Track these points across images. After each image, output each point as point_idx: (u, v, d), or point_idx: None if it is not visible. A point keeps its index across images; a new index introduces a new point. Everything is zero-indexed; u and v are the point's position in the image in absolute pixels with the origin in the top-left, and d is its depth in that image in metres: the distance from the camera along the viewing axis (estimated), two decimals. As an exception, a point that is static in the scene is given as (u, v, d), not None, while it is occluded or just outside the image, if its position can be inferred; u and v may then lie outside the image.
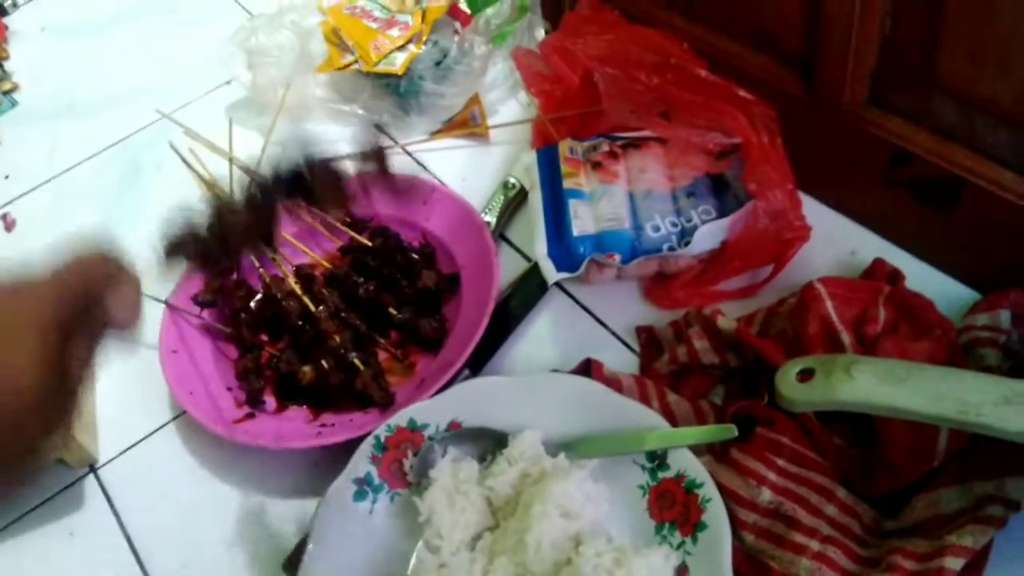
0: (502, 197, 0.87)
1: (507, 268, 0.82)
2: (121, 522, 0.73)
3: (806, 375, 0.57)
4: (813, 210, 0.79)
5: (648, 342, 0.75)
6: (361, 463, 0.67)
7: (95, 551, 0.72)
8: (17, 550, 0.73)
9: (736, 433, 0.62)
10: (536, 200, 0.80)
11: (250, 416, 0.75)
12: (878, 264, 0.72)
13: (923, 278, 0.73)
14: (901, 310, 0.66)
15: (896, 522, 0.59)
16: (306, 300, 0.79)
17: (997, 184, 0.65)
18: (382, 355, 0.78)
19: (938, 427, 0.58)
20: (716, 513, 0.60)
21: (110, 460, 0.77)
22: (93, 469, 0.77)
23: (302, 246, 0.85)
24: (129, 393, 0.81)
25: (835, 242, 0.77)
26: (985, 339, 0.64)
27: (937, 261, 0.74)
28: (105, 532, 0.73)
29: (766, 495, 0.60)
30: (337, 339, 0.76)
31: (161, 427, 0.79)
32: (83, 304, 0.44)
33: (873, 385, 0.54)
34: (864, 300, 0.66)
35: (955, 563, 0.54)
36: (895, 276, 0.71)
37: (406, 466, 0.68)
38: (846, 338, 0.63)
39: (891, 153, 0.71)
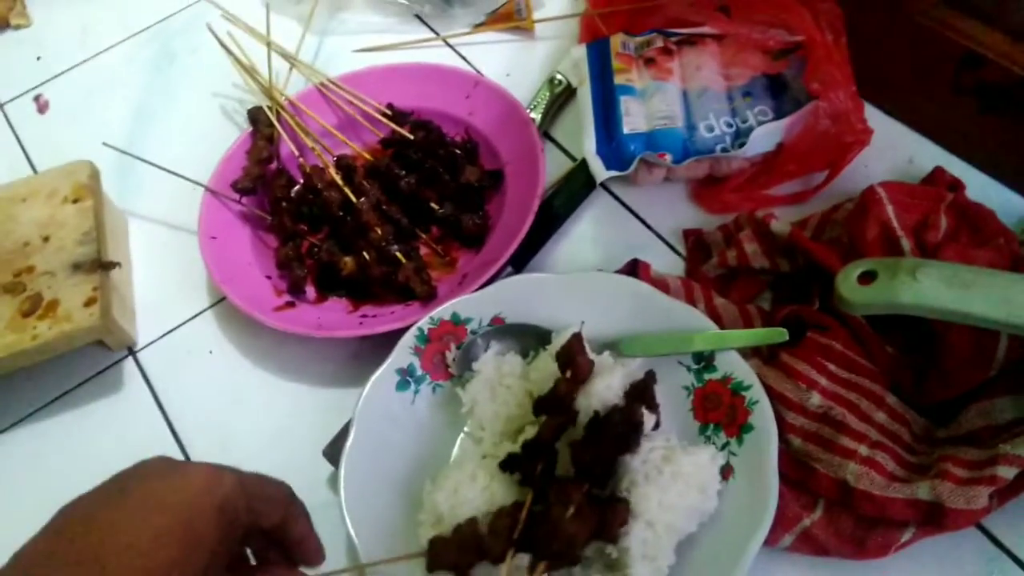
0: (547, 93, 0.85)
1: (551, 167, 0.80)
2: (160, 404, 0.74)
3: (866, 278, 0.56)
4: (870, 117, 0.76)
5: (695, 245, 0.73)
6: (404, 354, 0.67)
7: (134, 432, 0.72)
8: (56, 428, 0.73)
9: (787, 336, 0.61)
10: (585, 96, 0.78)
11: (290, 305, 0.74)
12: (938, 172, 0.70)
13: (983, 189, 0.71)
14: (963, 218, 0.64)
15: (947, 430, 0.58)
16: (347, 191, 0.77)
17: (1074, 91, 0.63)
18: (422, 250, 0.77)
19: (998, 335, 0.57)
20: (763, 415, 0.60)
21: (149, 344, 0.77)
22: (132, 352, 0.77)
23: (343, 136, 0.83)
24: (168, 279, 0.81)
25: (892, 150, 0.75)
26: (1047, 251, 0.62)
27: (999, 172, 0.72)
28: (144, 414, 0.73)
29: (815, 399, 0.59)
30: (379, 231, 0.75)
31: (199, 313, 0.78)
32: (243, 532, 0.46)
33: (939, 288, 0.52)
34: (925, 207, 0.64)
35: (1008, 471, 0.53)
36: (955, 185, 0.69)
37: (449, 358, 0.67)
38: (906, 244, 0.61)
39: (960, 56, 0.69)
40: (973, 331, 0.55)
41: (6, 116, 0.98)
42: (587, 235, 0.78)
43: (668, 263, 0.74)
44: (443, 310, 0.68)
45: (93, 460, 0.71)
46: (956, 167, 0.72)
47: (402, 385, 0.67)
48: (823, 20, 0.71)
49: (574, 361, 0.61)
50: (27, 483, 0.71)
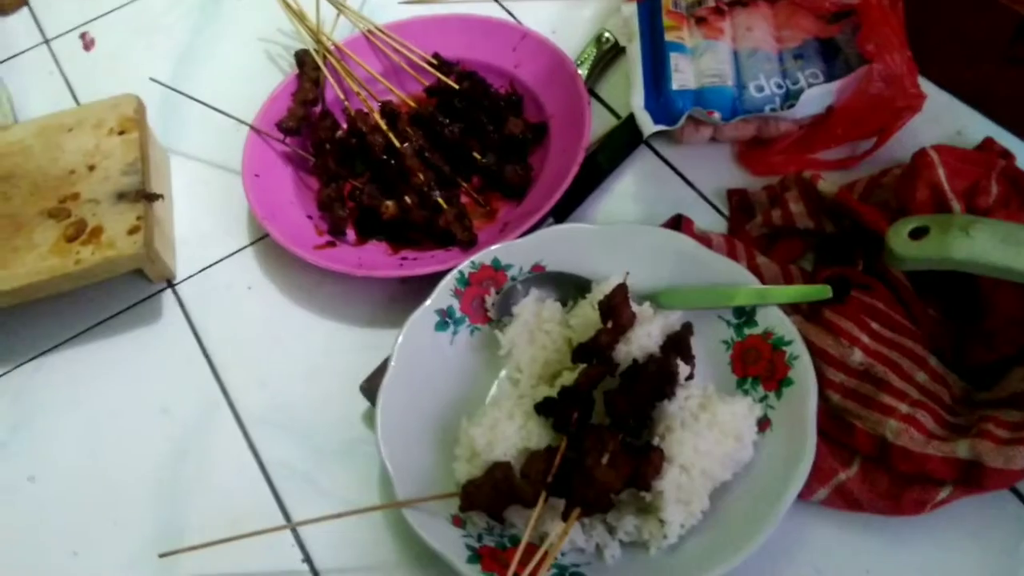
0: (594, 50, 0.85)
1: (596, 124, 0.80)
2: (199, 337, 0.74)
3: (918, 235, 0.56)
4: (924, 85, 0.76)
5: (739, 205, 0.73)
6: (444, 295, 0.67)
7: (172, 362, 0.73)
8: (95, 354, 0.74)
9: (831, 293, 0.61)
10: (635, 52, 0.78)
11: (331, 244, 0.75)
12: (988, 142, 0.69)
13: (1034, 162, 0.70)
14: (1014, 186, 0.63)
15: (990, 393, 0.58)
16: (391, 136, 0.77)
17: None
18: (463, 199, 0.77)
19: (1046, 299, 0.56)
20: (803, 370, 0.60)
21: (188, 277, 0.78)
22: (171, 284, 0.78)
23: (388, 83, 0.83)
24: (208, 215, 0.81)
25: (941, 121, 0.75)
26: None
27: (1050, 146, 0.71)
28: (182, 345, 0.74)
29: (857, 356, 0.59)
30: (421, 176, 0.75)
31: (239, 250, 0.79)
32: None
33: (992, 244, 0.52)
34: (976, 172, 0.63)
35: (1049, 434, 0.53)
36: (1005, 155, 0.68)
37: (488, 302, 0.68)
38: (956, 206, 0.61)
39: (1017, 25, 0.68)
40: (1020, 292, 0.55)
41: (52, 52, 0.98)
42: (630, 192, 0.78)
43: (711, 222, 0.74)
44: (484, 255, 0.68)
45: (131, 386, 0.73)
46: (1006, 139, 0.72)
47: (441, 326, 0.67)
48: (880, -17, 0.70)
49: (617, 310, 0.61)
50: (66, 406, 0.72)
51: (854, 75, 0.70)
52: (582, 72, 0.83)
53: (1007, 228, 0.53)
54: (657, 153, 0.79)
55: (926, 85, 0.76)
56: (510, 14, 0.92)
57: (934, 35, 0.73)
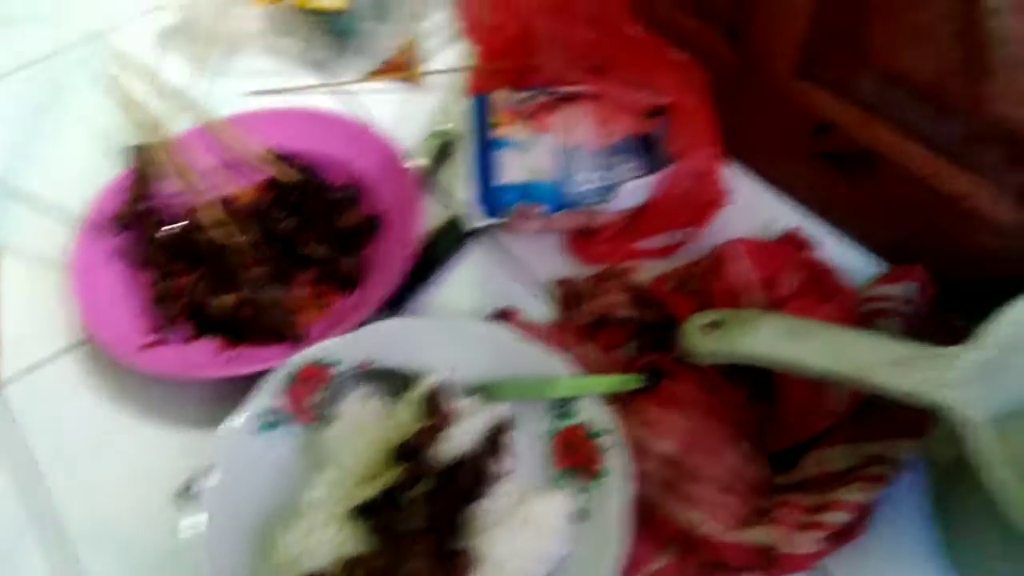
0: (433, 143, 0.87)
1: (434, 214, 0.82)
2: (24, 439, 0.72)
3: (712, 327, 0.58)
4: (738, 177, 0.81)
5: (567, 294, 0.75)
6: (267, 395, 0.67)
7: (-3, 468, 0.70)
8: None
9: (643, 383, 0.64)
10: (467, 147, 0.80)
11: (160, 343, 0.74)
12: (792, 232, 0.74)
13: (838, 249, 0.75)
14: (810, 276, 0.67)
15: (787, 477, 0.61)
16: (225, 231, 0.77)
17: (911, 160, 0.67)
18: (299, 292, 0.77)
19: (834, 386, 0.60)
20: (619, 461, 0.61)
21: (14, 378, 0.75)
22: (-4, 386, 0.75)
23: (225, 177, 0.83)
24: (36, 312, 0.79)
25: (757, 209, 0.79)
26: (886, 310, 0.66)
27: (853, 233, 0.75)
28: (8, 451, 0.71)
29: (667, 445, 0.61)
30: (254, 272, 0.75)
31: (68, 349, 0.77)
32: None
33: (775, 339, 0.55)
34: (777, 263, 0.67)
35: (839, 517, 0.56)
36: (807, 244, 0.72)
37: (313, 400, 0.67)
38: (756, 297, 0.64)
39: (815, 124, 0.73)
40: (810, 382, 0.58)
41: None
42: (466, 281, 0.79)
43: (542, 311, 0.76)
44: (310, 352, 0.68)
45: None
46: (814, 227, 0.76)
47: (265, 427, 0.66)
48: (688, 84, 0.74)
49: (437, 407, 0.62)
50: None
51: (667, 170, 0.74)
52: (422, 163, 0.85)
53: (791, 323, 0.56)
54: (493, 242, 0.81)
55: (744, 175, 0.81)
56: (355, 106, 0.94)
57: (747, 129, 0.78)
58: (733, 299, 0.65)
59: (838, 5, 0.66)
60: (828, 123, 0.72)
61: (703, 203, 0.74)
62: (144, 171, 0.82)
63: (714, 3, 0.76)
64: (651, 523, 0.60)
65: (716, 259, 0.68)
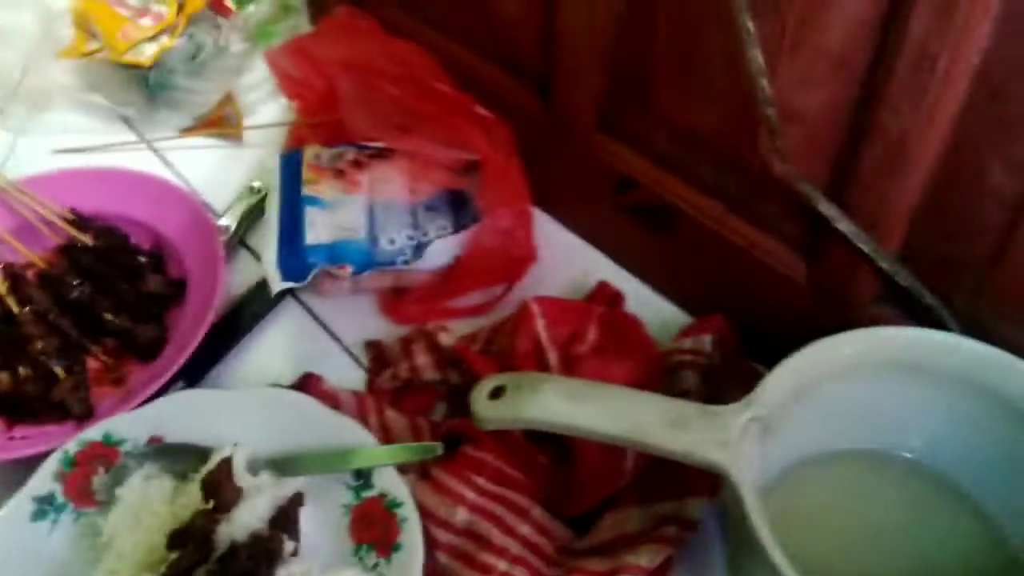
0: (245, 201, 0.84)
1: (246, 276, 0.79)
2: None
3: (499, 392, 0.57)
4: (552, 230, 0.81)
5: (377, 357, 0.73)
6: (45, 480, 0.62)
7: None
8: None
9: (440, 451, 0.62)
10: (273, 206, 0.77)
11: (-67, 426, 0.68)
12: (601, 286, 0.74)
13: (647, 302, 0.75)
14: (610, 331, 0.67)
15: (584, 542, 0.60)
16: (10, 301, 0.72)
17: (705, 214, 0.68)
18: (93, 364, 0.73)
19: (624, 447, 0.59)
20: (412, 534, 0.59)
21: None
22: None
23: (15, 242, 0.78)
24: None
25: (570, 263, 0.79)
26: (687, 362, 0.66)
27: (660, 286, 0.76)
28: None
29: (462, 514, 0.59)
30: (40, 344, 0.70)
31: None
32: None
33: (555, 403, 0.54)
34: (575, 320, 0.67)
35: (629, 581, 0.55)
36: (615, 298, 0.73)
37: (95, 484, 0.63)
38: (552, 357, 0.64)
39: (618, 178, 0.73)
40: (602, 444, 0.57)
41: None
42: (275, 346, 0.76)
43: (353, 376, 0.73)
44: (95, 430, 0.64)
45: None
46: (625, 280, 0.76)
47: (39, 515, 0.61)
48: (496, 139, 0.74)
49: (219, 487, 0.59)
50: None
51: (475, 227, 0.73)
52: (231, 223, 0.82)
53: (571, 385, 0.56)
54: (304, 305, 0.78)
55: (557, 228, 0.81)
56: (168, 164, 0.90)
57: (556, 184, 0.78)
58: (531, 361, 0.64)
59: (629, 61, 0.67)
60: (630, 178, 0.72)
61: (514, 259, 0.73)
62: (-76, 239, 0.76)
63: (519, 57, 0.76)
64: (448, 597, 0.58)
65: (514, 320, 0.67)
